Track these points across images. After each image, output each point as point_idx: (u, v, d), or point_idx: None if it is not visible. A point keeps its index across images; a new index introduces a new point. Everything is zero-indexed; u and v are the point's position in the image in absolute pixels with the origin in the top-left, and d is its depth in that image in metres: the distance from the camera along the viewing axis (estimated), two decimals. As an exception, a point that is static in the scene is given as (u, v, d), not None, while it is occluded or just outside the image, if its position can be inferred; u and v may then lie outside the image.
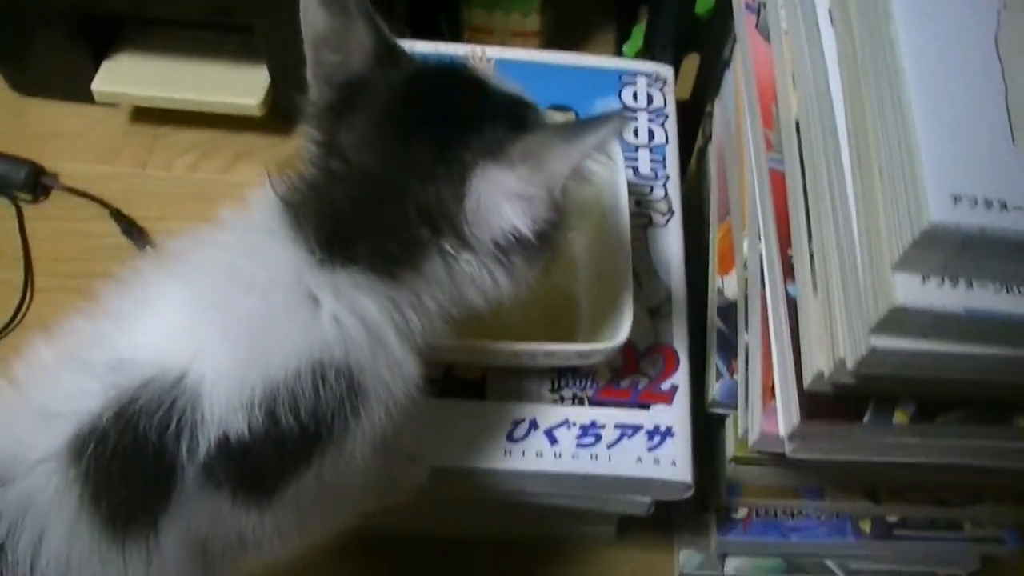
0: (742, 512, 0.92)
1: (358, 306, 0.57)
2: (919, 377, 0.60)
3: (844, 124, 0.63)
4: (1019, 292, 0.54)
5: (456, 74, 0.64)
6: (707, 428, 0.92)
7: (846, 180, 0.61)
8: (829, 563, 0.96)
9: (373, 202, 0.58)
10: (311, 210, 0.58)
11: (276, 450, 0.56)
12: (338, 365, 0.56)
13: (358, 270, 0.57)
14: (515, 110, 0.61)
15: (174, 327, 0.57)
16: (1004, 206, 0.51)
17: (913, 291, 0.54)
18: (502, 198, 0.57)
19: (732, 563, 0.97)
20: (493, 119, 0.58)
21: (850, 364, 0.59)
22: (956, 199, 0.51)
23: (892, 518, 0.91)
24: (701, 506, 0.94)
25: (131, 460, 0.54)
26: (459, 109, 0.59)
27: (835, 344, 0.61)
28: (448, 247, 0.59)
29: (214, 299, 0.57)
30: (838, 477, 0.86)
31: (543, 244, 0.60)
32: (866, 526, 0.91)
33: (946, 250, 0.52)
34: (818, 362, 0.64)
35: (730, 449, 0.82)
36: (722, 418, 0.84)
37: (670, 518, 0.98)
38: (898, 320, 0.55)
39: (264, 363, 0.55)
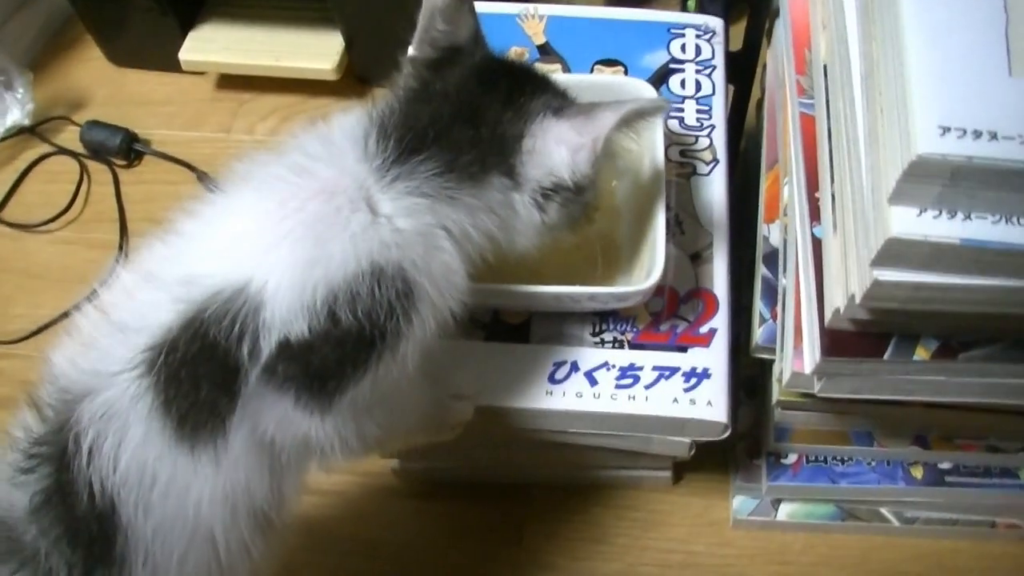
0: (792, 457, 0.93)
1: (416, 212, 0.63)
2: (932, 312, 0.61)
3: (858, 63, 0.64)
4: (1018, 223, 0.54)
5: (522, 63, 0.78)
6: (761, 375, 0.93)
7: (858, 118, 0.62)
8: (883, 510, 0.96)
9: (453, 119, 0.66)
10: (396, 122, 0.66)
11: (336, 351, 0.60)
12: (394, 266, 0.61)
13: (424, 178, 0.63)
14: (564, 89, 0.71)
15: (239, 236, 0.61)
16: (995, 136, 0.52)
17: (908, 223, 0.55)
18: (555, 144, 0.67)
19: (785, 509, 0.97)
20: (554, 88, 0.70)
21: (858, 298, 0.60)
22: (944, 130, 0.52)
23: (944, 464, 0.91)
24: (754, 453, 0.96)
25: (199, 367, 0.59)
26: (530, 78, 0.71)
27: (848, 280, 0.62)
28: (503, 181, 0.66)
29: (278, 206, 0.61)
30: (885, 421, 0.86)
31: (578, 196, 0.69)
32: (918, 472, 0.91)
33: (937, 181, 0.53)
34: (835, 298, 0.65)
35: (775, 393, 0.83)
36: (770, 364, 0.86)
37: (725, 465, 1.00)
38: (896, 251, 0.56)
39: (325, 264, 0.59)
